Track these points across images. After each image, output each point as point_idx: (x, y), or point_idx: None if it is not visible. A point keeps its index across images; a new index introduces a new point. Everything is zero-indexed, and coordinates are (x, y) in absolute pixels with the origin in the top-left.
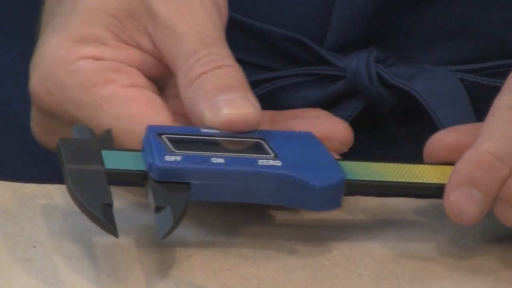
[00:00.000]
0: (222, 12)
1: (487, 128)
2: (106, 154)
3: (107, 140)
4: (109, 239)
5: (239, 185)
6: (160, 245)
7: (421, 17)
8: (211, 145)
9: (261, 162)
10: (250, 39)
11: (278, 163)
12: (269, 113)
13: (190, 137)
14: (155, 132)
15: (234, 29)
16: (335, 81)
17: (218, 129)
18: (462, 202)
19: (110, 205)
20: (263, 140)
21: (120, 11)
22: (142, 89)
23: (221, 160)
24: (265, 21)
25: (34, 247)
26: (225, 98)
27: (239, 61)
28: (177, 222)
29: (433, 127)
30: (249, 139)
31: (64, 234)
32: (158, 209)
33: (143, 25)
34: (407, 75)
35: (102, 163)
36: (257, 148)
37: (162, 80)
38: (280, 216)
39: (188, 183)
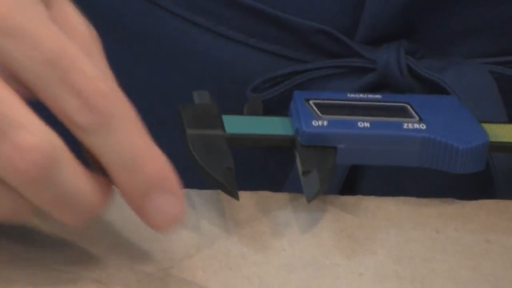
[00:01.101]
0: None
1: None
2: (227, 119)
3: (256, 107)
4: (109, 238)
5: (384, 148)
6: (161, 244)
7: (453, 12)
8: (357, 109)
9: (406, 125)
10: (282, 32)
11: (422, 126)
12: None
13: (336, 102)
14: (302, 97)
15: (267, 23)
16: (366, 73)
17: None
18: None
19: (231, 169)
20: (408, 104)
21: None
22: None
23: (367, 124)
24: (296, 15)
25: (35, 246)
26: None
27: (272, 53)
28: (323, 185)
29: None
30: (394, 103)
31: (65, 234)
32: (305, 173)
33: None
34: (437, 68)
35: (223, 128)
36: (402, 112)
37: None
38: (281, 216)
39: (335, 147)
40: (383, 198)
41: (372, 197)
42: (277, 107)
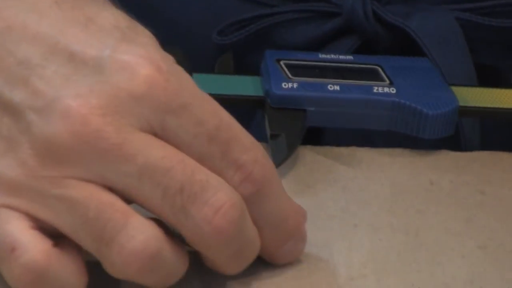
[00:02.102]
0: None
1: None
2: (197, 78)
3: (227, 65)
4: None
5: (354, 112)
6: None
7: None
8: (328, 71)
9: (376, 89)
10: None
11: (392, 90)
12: None
13: (307, 63)
14: (273, 57)
15: None
16: (331, 18)
17: None
18: None
19: None
20: (379, 66)
21: None
22: None
23: (337, 87)
24: None
25: None
26: None
27: None
28: (291, 150)
29: None
30: (365, 66)
31: None
32: (273, 136)
33: None
34: (403, 13)
35: None
36: (373, 75)
37: None
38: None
39: (304, 110)
40: (377, 149)
41: (367, 148)
42: (242, 50)
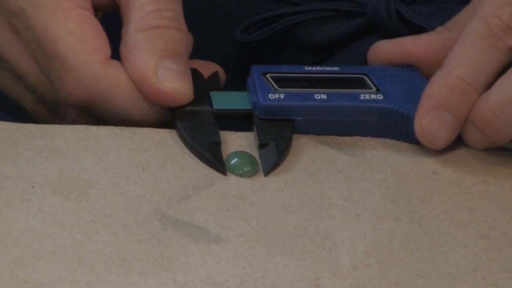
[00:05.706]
0: None
1: (459, 54)
2: (214, 95)
3: (214, 82)
4: (106, 180)
5: (342, 119)
6: (159, 185)
7: None
8: (314, 82)
9: (363, 96)
10: None
11: (379, 96)
12: None
13: (293, 75)
14: (259, 71)
15: None
16: (355, 17)
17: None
18: (434, 126)
19: (218, 144)
20: (365, 75)
21: None
22: (92, 15)
23: (323, 96)
24: None
25: (33, 187)
26: (170, 66)
27: None
28: (280, 157)
29: None
30: (352, 75)
31: (62, 175)
32: (262, 145)
33: None
34: (426, 13)
35: (211, 104)
36: (359, 83)
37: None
38: None
39: (292, 120)
40: (380, 139)
41: (369, 138)
42: (264, 49)
